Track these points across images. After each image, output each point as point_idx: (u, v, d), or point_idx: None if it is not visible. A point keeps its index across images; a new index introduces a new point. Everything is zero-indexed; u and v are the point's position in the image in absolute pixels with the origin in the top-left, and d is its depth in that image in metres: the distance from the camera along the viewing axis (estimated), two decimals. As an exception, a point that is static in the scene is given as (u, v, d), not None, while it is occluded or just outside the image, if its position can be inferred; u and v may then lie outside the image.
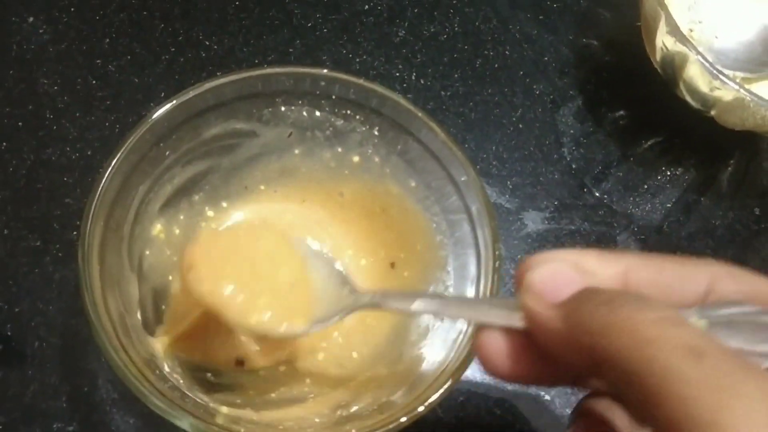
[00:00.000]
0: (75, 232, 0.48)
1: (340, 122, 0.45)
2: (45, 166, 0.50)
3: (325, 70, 0.43)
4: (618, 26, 0.64)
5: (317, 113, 0.45)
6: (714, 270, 0.26)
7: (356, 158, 0.47)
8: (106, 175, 0.38)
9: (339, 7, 0.60)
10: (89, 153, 0.51)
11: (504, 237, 0.53)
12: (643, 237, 0.55)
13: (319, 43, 0.58)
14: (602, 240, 0.55)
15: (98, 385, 0.44)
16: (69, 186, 0.50)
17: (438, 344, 0.41)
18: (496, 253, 0.40)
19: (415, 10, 0.61)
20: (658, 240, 0.55)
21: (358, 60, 0.58)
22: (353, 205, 0.47)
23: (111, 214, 0.39)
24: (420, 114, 0.43)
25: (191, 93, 0.41)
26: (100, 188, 0.38)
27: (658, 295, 0.25)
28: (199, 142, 0.43)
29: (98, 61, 0.54)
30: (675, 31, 0.52)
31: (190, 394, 0.38)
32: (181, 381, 0.39)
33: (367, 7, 0.61)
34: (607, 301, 0.23)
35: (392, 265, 0.46)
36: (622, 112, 0.61)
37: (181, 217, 0.45)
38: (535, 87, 0.60)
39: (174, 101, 0.41)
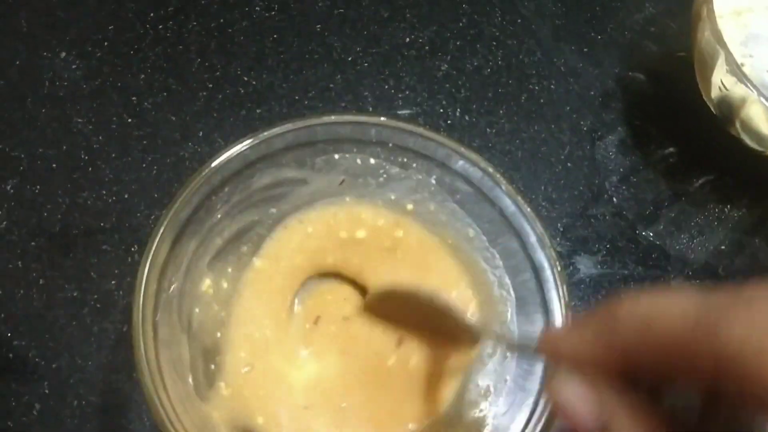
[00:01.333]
0: (114, 281, 0.46)
1: (395, 169, 0.43)
2: (80, 210, 0.48)
3: (383, 118, 0.41)
4: (664, 58, 0.62)
5: (372, 160, 0.43)
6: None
7: (410, 206, 0.45)
8: (159, 235, 0.36)
9: (379, 41, 0.58)
10: (126, 196, 0.49)
11: (556, 282, 0.51)
12: (697, 281, 0.53)
13: (359, 78, 0.56)
14: (656, 284, 0.53)
15: (142, 448, 0.42)
16: (106, 232, 0.47)
17: (503, 406, 0.39)
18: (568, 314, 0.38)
19: (458, 43, 0.59)
20: (712, 283, 0.53)
21: (400, 96, 0.56)
22: (403, 261, 0.45)
23: (163, 274, 0.37)
24: (486, 166, 0.41)
25: (247, 142, 0.39)
26: (152, 249, 0.36)
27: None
28: (249, 193, 0.41)
29: (133, 98, 0.52)
30: (736, 70, 0.50)
31: None
32: None
33: (408, 40, 0.58)
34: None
35: None
36: (671, 149, 0.59)
37: (229, 270, 0.43)
38: (582, 123, 0.58)
39: (228, 152, 0.39)
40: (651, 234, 0.55)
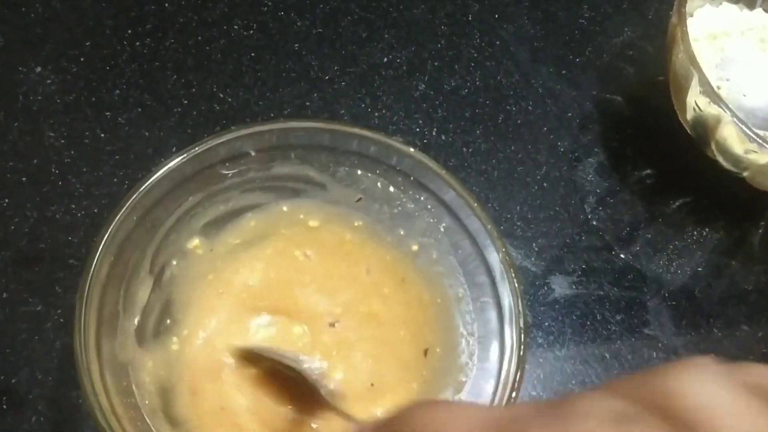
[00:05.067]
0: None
1: (410, 205, 0.43)
2: (48, 224, 0.48)
3: (412, 149, 0.41)
4: (642, 81, 0.63)
5: (391, 188, 0.43)
6: None
7: (415, 247, 0.44)
8: (161, 170, 0.37)
9: (357, 60, 0.58)
10: (96, 210, 0.48)
11: (530, 302, 0.51)
12: (674, 303, 0.53)
13: (336, 97, 0.56)
14: (632, 306, 0.52)
15: (100, 465, 0.41)
16: (73, 246, 0.47)
17: None
18: (521, 354, 0.37)
19: (435, 64, 0.59)
20: (690, 306, 0.53)
21: (377, 114, 0.56)
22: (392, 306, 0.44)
23: (150, 210, 0.38)
24: (489, 227, 0.40)
25: (268, 126, 0.40)
26: (150, 180, 0.37)
27: None
28: (266, 176, 0.42)
29: (107, 113, 0.52)
30: (709, 91, 0.50)
31: None
32: None
33: (385, 59, 0.59)
34: None
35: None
36: (648, 171, 0.58)
37: (229, 240, 0.43)
38: (559, 144, 0.58)
39: (252, 129, 0.40)
40: (627, 255, 0.54)
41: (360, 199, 0.44)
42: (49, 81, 0.53)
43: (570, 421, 0.19)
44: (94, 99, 0.53)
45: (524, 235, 0.53)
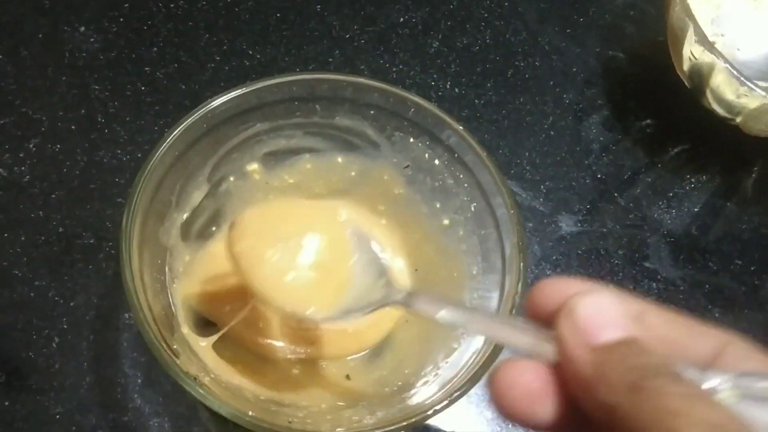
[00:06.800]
0: (127, 231, 0.50)
1: (450, 181, 0.45)
2: (97, 167, 0.52)
3: (461, 126, 0.43)
4: (642, 40, 0.67)
5: (437, 162, 0.45)
6: (723, 337, 0.24)
7: (446, 221, 0.47)
8: (234, 92, 0.40)
9: (375, 20, 0.62)
10: (139, 155, 0.53)
11: (539, 238, 0.55)
12: (672, 240, 0.57)
13: (357, 53, 0.60)
14: (633, 242, 0.56)
15: (152, 378, 0.45)
16: (121, 186, 0.51)
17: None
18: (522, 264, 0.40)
19: (448, 23, 0.63)
20: (687, 243, 0.57)
21: (394, 69, 0.60)
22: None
23: (219, 125, 0.41)
24: (512, 212, 0.42)
25: (347, 78, 0.43)
26: (222, 98, 0.40)
27: (666, 347, 0.24)
28: (329, 124, 0.45)
29: (147, 68, 0.56)
30: (703, 40, 0.54)
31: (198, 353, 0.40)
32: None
33: (402, 19, 0.63)
34: (642, 366, 0.22)
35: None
36: (648, 121, 0.62)
37: (285, 177, 0.47)
38: (564, 96, 0.62)
39: (327, 75, 0.43)
40: (629, 197, 0.58)
41: (408, 166, 0.46)
42: (92, 39, 0.57)
43: None
44: (134, 56, 0.57)
45: (533, 179, 0.57)
